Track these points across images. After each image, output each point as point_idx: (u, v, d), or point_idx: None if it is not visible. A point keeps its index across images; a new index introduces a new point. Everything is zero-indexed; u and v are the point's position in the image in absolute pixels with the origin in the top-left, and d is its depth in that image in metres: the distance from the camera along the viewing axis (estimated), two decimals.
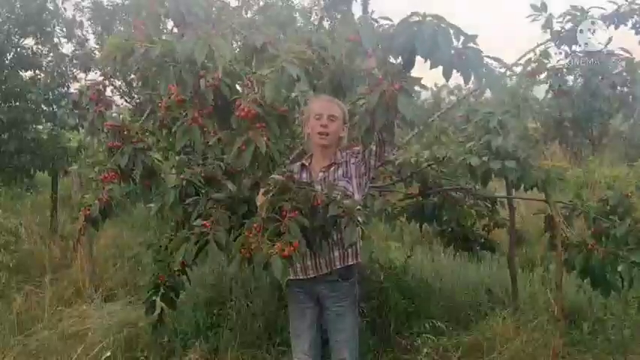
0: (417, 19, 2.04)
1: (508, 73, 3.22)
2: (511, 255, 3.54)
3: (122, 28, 7.28)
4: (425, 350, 2.98)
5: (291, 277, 2.50)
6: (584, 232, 2.82)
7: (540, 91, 3.41)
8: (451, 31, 2.02)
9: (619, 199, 2.69)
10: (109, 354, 2.78)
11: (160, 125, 2.56)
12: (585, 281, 2.80)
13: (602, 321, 3.47)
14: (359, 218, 2.02)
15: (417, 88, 2.15)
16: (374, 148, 2.45)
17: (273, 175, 2.17)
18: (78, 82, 6.65)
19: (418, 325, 3.25)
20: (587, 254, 2.54)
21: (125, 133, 2.61)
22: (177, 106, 2.49)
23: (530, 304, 3.76)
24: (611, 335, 3.33)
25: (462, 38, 2.04)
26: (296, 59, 2.14)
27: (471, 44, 2.06)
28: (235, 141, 2.15)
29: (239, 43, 2.73)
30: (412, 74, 2.15)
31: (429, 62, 2.08)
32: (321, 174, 2.47)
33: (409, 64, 2.11)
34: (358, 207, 2.08)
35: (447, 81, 2.28)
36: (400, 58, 2.13)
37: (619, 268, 2.42)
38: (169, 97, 2.52)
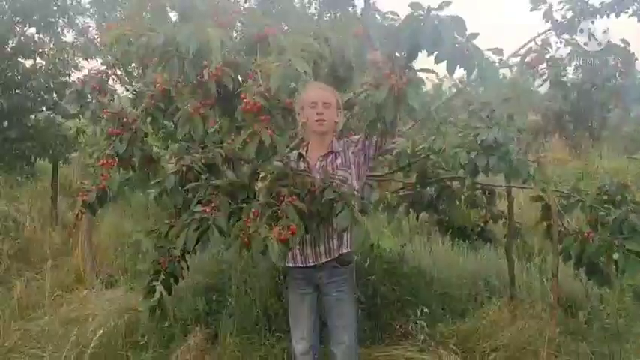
0: (422, 13, 2.05)
1: (502, 63, 3.22)
2: (509, 244, 3.55)
3: (123, 17, 7.27)
4: (422, 337, 3.01)
5: (291, 265, 2.55)
6: (581, 222, 2.84)
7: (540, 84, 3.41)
8: (453, 26, 2.05)
9: (617, 188, 2.70)
10: (101, 331, 2.81)
11: (145, 113, 2.57)
12: (581, 270, 2.81)
13: (597, 310, 3.50)
14: (354, 204, 2.04)
15: (423, 75, 2.18)
16: (375, 138, 2.48)
17: (274, 163, 2.19)
18: (79, 70, 6.66)
19: (415, 313, 3.29)
20: (583, 242, 2.56)
21: (124, 120, 2.63)
22: (161, 95, 2.51)
23: (526, 293, 3.79)
24: (606, 324, 3.36)
25: (467, 33, 2.07)
26: (302, 52, 2.14)
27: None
28: (240, 133, 2.14)
29: (240, 33, 2.73)
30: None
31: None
32: (318, 163, 2.49)
33: (412, 57, 2.14)
34: (354, 193, 2.11)
35: (451, 75, 2.31)
36: (405, 52, 2.15)
37: (614, 256, 2.44)
38: (155, 87, 2.53)
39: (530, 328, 3.03)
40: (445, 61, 2.09)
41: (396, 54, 2.19)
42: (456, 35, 2.07)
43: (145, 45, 2.23)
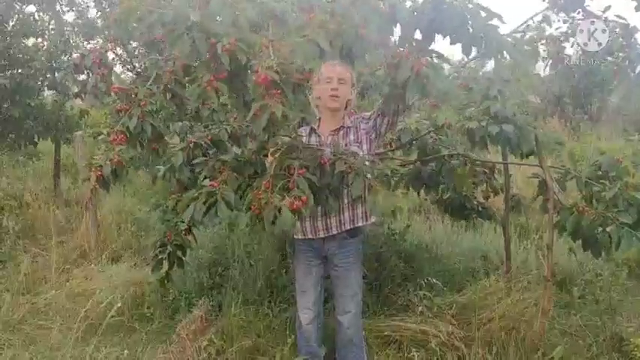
0: None
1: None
2: (505, 220, 3.63)
3: None
4: (420, 309, 3.11)
5: (301, 237, 2.62)
6: (576, 197, 2.90)
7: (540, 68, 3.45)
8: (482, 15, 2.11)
9: (611, 164, 2.77)
10: (119, 304, 2.90)
11: (164, 89, 2.58)
12: (577, 244, 2.88)
13: (591, 285, 3.59)
14: (366, 173, 2.10)
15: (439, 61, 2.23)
16: (387, 116, 2.54)
17: (281, 137, 2.24)
18: (81, 50, 6.66)
19: (414, 287, 3.38)
20: (578, 216, 2.63)
21: (133, 96, 2.66)
22: (181, 71, 2.53)
23: (523, 268, 3.88)
24: (599, 297, 3.46)
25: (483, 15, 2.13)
26: (322, 30, 2.15)
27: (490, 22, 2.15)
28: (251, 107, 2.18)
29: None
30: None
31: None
32: (330, 137, 2.55)
33: (431, 39, 2.18)
34: (365, 162, 2.16)
35: (467, 57, 2.35)
36: (420, 33, 2.19)
37: (608, 229, 2.51)
38: (174, 63, 2.55)
39: (525, 301, 3.12)
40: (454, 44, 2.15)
41: (415, 35, 2.23)
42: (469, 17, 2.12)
43: (157, 19, 2.24)
